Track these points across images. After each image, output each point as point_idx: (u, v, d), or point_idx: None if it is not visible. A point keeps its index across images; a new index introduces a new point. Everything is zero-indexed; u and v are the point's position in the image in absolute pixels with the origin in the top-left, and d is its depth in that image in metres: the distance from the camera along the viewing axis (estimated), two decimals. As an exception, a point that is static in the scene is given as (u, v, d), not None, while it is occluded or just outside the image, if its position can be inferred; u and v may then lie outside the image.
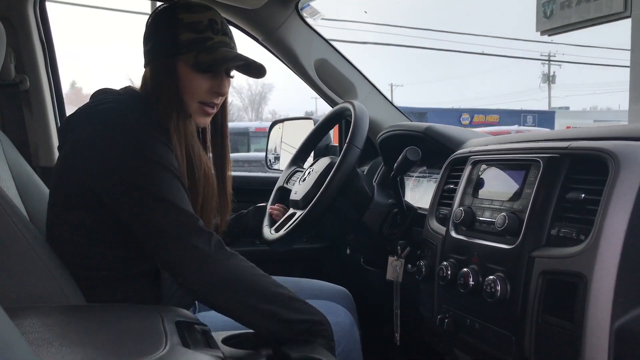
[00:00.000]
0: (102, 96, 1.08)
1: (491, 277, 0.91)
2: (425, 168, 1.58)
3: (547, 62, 27.74)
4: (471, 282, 0.95)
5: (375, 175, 1.66)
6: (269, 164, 2.09)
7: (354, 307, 1.45)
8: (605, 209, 0.77)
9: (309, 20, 1.61)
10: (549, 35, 10.95)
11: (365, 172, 1.70)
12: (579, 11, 9.78)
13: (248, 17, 1.53)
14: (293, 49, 1.59)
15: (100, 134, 1.00)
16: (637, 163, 0.78)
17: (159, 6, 1.14)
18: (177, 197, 0.98)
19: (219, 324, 1.16)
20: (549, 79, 28.66)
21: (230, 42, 1.12)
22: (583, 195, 0.83)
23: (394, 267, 1.29)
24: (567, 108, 29.19)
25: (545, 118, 21.34)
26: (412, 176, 1.64)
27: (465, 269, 0.97)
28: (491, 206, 0.99)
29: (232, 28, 1.56)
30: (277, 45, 1.59)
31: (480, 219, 1.00)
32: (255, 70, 1.15)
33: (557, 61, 27.56)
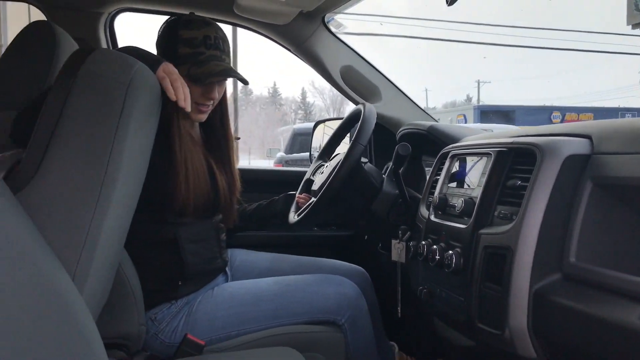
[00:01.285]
0: None
1: (450, 252, 1.07)
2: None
3: (647, 55, 25.86)
4: (437, 257, 1.12)
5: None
6: (312, 160, 2.31)
7: (368, 283, 1.64)
8: (530, 193, 0.92)
9: (336, 32, 1.81)
10: (641, 28, 10.37)
11: (390, 166, 1.87)
12: (673, 1, 9.19)
13: (279, 32, 1.76)
14: (320, 58, 1.80)
15: None
16: (557, 154, 0.92)
17: (168, 19, 1.38)
18: None
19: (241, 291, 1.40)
20: (649, 73, 26.71)
21: (221, 55, 1.33)
22: (519, 182, 0.98)
23: (397, 249, 1.46)
24: (672, 104, 27.04)
25: (645, 115, 19.91)
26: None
27: (434, 247, 1.14)
28: (458, 193, 1.15)
29: (267, 40, 1.80)
30: (306, 54, 1.80)
31: (450, 204, 1.17)
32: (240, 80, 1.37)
33: (659, 54, 25.58)
